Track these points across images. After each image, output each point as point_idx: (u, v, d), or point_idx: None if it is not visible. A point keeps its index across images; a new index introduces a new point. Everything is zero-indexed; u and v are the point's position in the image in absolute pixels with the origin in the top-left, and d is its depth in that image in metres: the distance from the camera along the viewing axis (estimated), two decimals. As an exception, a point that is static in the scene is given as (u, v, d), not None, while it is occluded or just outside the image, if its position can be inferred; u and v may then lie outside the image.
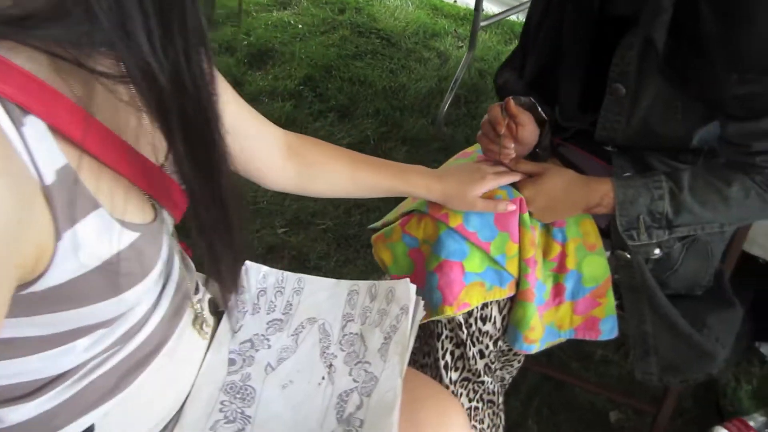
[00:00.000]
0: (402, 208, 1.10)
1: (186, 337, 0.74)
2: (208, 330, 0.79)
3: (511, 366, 1.22)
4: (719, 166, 0.93)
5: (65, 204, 0.47)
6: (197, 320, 0.77)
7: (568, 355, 1.58)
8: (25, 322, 0.52)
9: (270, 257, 1.89)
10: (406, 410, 0.76)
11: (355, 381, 0.77)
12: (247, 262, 0.90)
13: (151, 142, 0.59)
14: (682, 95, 0.88)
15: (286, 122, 2.38)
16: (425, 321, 1.02)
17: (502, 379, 1.24)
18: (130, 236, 0.55)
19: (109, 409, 0.65)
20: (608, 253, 1.04)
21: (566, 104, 1.03)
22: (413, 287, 0.83)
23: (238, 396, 0.77)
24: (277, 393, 0.78)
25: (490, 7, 3.20)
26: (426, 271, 1.00)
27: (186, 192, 0.56)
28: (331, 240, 1.94)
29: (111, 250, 0.53)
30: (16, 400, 0.58)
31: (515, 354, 1.19)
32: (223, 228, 0.60)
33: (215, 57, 2.76)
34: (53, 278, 0.49)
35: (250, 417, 0.75)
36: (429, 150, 2.25)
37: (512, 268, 0.99)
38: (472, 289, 0.98)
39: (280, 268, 1.83)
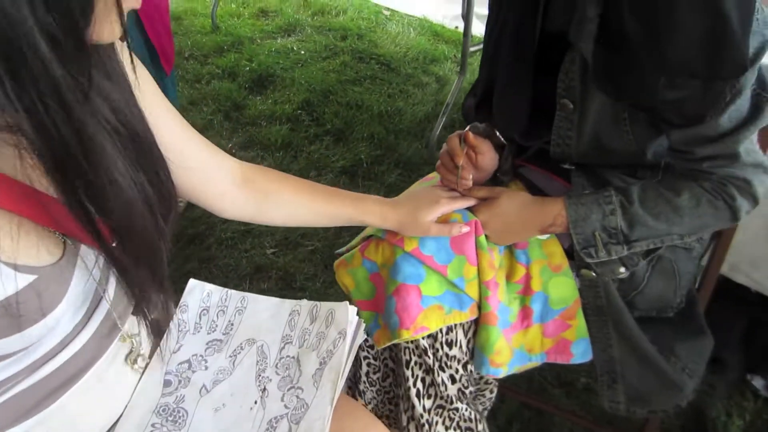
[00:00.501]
0: (364, 234, 1.10)
1: (119, 361, 0.74)
2: (143, 365, 0.79)
3: (483, 396, 1.19)
4: (669, 177, 0.91)
5: None
6: (131, 354, 0.76)
7: (550, 382, 1.54)
8: None
9: (257, 277, 1.89)
10: None
11: (286, 407, 0.75)
12: (192, 281, 0.89)
13: None
14: (622, 105, 0.87)
15: (282, 145, 2.40)
16: (387, 345, 1.01)
17: (476, 410, 1.21)
18: (24, 279, 0.55)
19: (30, 428, 0.64)
20: (574, 274, 1.02)
21: (516, 122, 1.02)
22: (353, 310, 0.82)
23: (170, 418, 0.76)
24: (209, 416, 0.76)
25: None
26: (385, 296, 0.99)
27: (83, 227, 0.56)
28: (319, 261, 1.93)
29: (3, 293, 0.53)
30: None
31: (486, 383, 1.17)
32: (128, 257, 0.61)
33: (217, 82, 2.82)
34: None
35: None
36: (421, 174, 2.22)
37: (472, 291, 0.98)
38: (430, 313, 0.97)
39: (266, 288, 1.85)
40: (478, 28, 3.20)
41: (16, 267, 0.54)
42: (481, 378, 1.14)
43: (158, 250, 0.66)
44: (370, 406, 1.18)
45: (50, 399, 0.65)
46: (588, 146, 0.93)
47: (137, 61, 0.73)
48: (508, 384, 1.51)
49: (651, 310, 1.05)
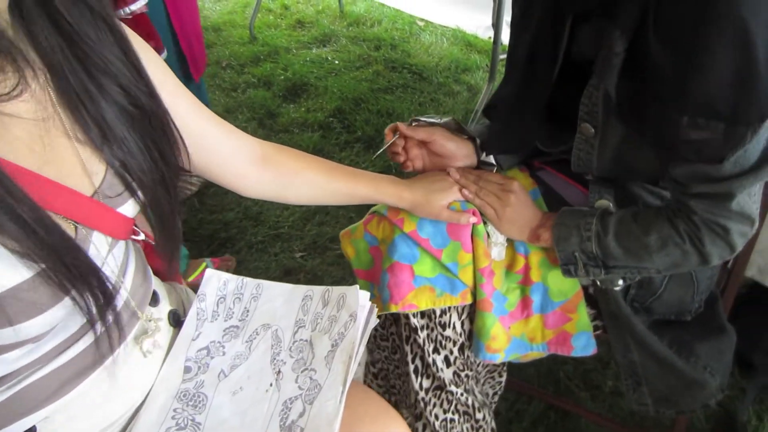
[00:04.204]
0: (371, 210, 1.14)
1: (137, 350, 0.75)
2: (155, 353, 0.79)
3: (493, 379, 1.22)
4: (647, 212, 0.90)
5: None
6: (147, 336, 0.77)
7: (576, 385, 1.52)
8: None
9: (286, 280, 1.90)
10: (345, 425, 0.75)
11: (300, 388, 0.77)
12: (208, 270, 0.92)
13: (82, 172, 0.62)
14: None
15: (313, 152, 2.42)
16: (380, 314, 1.04)
17: (487, 394, 1.22)
18: (32, 269, 0.54)
19: (50, 413, 0.66)
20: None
21: (528, 136, 1.03)
22: (365, 294, 0.83)
23: (190, 403, 0.78)
24: (228, 399, 0.79)
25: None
26: (381, 269, 1.04)
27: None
28: (346, 264, 1.95)
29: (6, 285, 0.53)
30: None
31: (495, 365, 1.19)
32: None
33: (253, 90, 2.88)
34: None
35: (200, 424, 0.76)
36: (450, 179, 2.25)
37: (466, 277, 1.01)
38: (421, 293, 1.02)
39: (295, 292, 1.87)
40: (503, 40, 3.21)
41: (22, 255, 0.53)
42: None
43: (177, 228, 0.68)
44: (378, 365, 1.22)
45: (70, 385, 0.66)
46: (609, 166, 0.92)
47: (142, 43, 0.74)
48: (534, 386, 1.50)
49: (669, 314, 1.04)
